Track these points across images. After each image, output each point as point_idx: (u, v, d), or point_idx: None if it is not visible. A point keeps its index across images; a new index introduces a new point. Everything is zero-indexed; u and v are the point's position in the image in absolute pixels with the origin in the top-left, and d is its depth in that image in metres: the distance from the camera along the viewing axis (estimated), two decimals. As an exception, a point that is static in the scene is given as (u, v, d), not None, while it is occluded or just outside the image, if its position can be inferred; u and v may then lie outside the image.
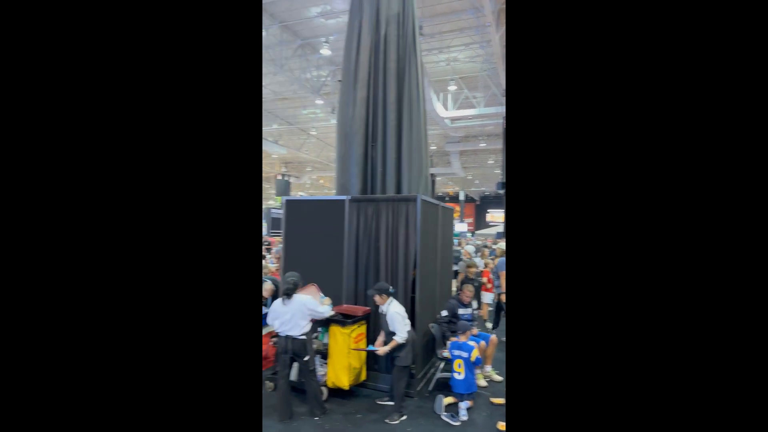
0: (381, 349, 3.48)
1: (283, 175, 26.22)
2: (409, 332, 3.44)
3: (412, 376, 3.73)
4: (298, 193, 29.44)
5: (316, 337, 3.80)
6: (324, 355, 3.77)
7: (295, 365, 3.53)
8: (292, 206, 4.55)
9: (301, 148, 22.95)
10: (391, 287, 3.54)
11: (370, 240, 4.09)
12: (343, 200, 4.20)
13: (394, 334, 3.42)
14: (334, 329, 3.63)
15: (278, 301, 3.37)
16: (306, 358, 3.34)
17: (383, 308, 3.48)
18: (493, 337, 4.24)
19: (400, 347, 3.41)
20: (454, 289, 5.76)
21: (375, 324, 3.95)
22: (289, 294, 3.31)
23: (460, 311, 4.18)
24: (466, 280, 4.65)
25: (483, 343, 4.12)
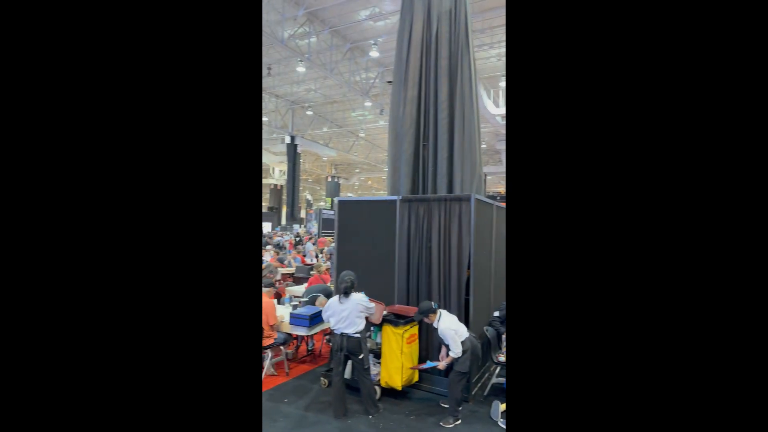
0: (440, 364, 3.41)
1: (333, 177, 26.83)
2: (468, 338, 3.34)
3: (468, 380, 3.64)
4: (347, 194, 29.98)
5: (369, 336, 3.83)
6: (377, 354, 3.79)
7: (349, 363, 3.57)
8: (344, 207, 4.62)
9: (350, 150, 23.36)
10: (434, 303, 3.44)
11: (421, 240, 4.05)
12: (394, 200, 4.20)
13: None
14: (387, 329, 3.64)
15: (334, 300, 3.43)
16: (361, 356, 3.38)
17: (435, 324, 3.40)
18: None
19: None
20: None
21: (427, 334, 3.91)
22: (347, 292, 3.37)
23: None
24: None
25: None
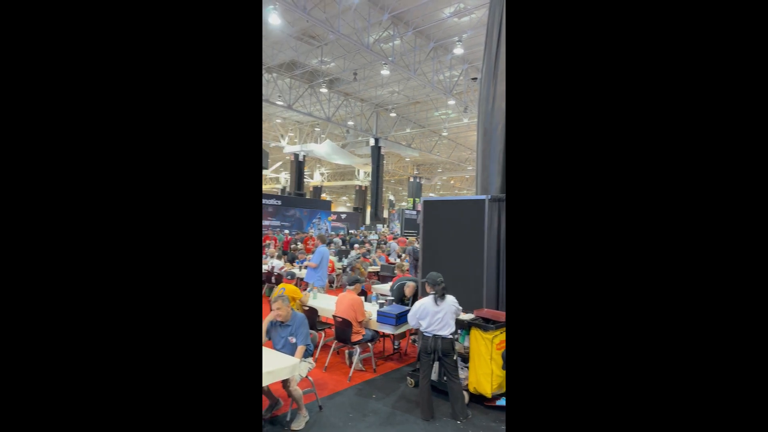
0: None
1: (415, 177, 26.94)
2: None
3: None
4: (428, 194, 29.87)
5: (457, 339, 3.74)
6: (464, 358, 3.69)
7: (436, 365, 3.53)
8: (429, 206, 4.58)
9: (433, 149, 23.24)
10: None
11: (513, 241, 3.85)
12: (482, 200, 4.05)
13: None
14: (476, 333, 3.52)
15: (427, 301, 3.40)
16: (454, 358, 3.34)
17: None
18: None
19: None
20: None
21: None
22: (443, 294, 3.34)
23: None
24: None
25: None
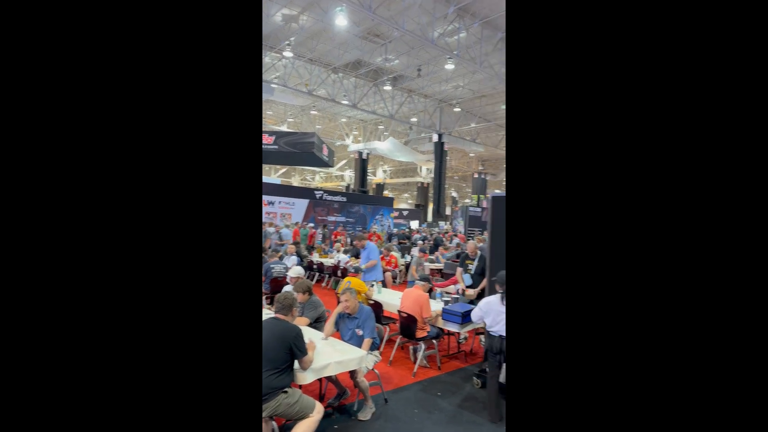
0: None
1: (480, 173, 26.21)
2: None
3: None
4: (494, 191, 28.93)
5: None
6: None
7: (504, 367, 3.40)
8: (497, 203, 4.42)
9: (499, 144, 22.43)
10: None
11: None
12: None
13: None
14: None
15: (494, 299, 3.30)
16: None
17: None
18: None
19: None
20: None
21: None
22: None
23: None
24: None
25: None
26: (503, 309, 3.19)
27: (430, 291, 4.67)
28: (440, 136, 19.41)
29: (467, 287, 4.93)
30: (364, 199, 20.47)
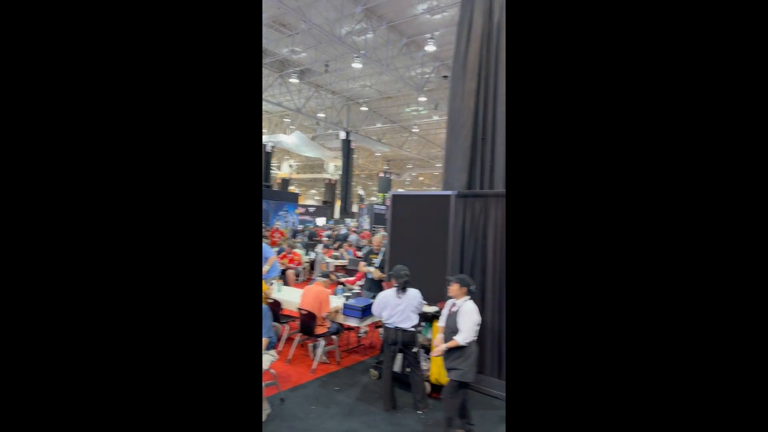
0: (437, 349, 2.93)
1: (385, 173, 27.00)
2: (472, 343, 2.86)
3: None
4: (398, 190, 30.03)
5: (420, 332, 3.81)
6: (427, 350, 3.76)
7: (399, 357, 3.58)
8: (398, 201, 4.62)
9: (403, 145, 23.36)
10: (473, 286, 3.02)
11: (477, 237, 3.95)
12: (449, 195, 4.12)
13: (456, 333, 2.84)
14: (437, 326, 3.60)
15: (390, 293, 3.44)
16: (415, 350, 3.39)
17: (458, 303, 2.93)
18: None
19: (461, 358, 2.81)
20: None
21: (481, 333, 3.81)
22: (404, 287, 3.38)
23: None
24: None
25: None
26: (399, 302, 3.36)
27: (341, 284, 4.67)
28: (347, 133, 19.51)
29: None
30: (266, 194, 19.62)
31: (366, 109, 19.26)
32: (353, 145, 20.24)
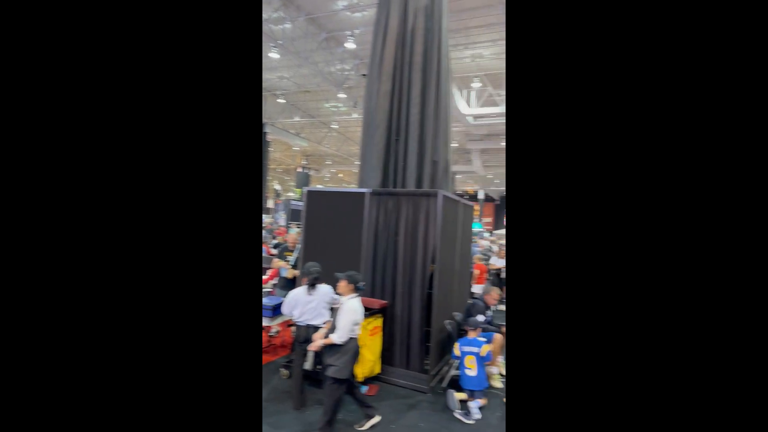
0: (313, 344, 2.95)
1: (304, 168, 26.44)
2: (352, 340, 2.89)
3: (348, 391, 3.67)
4: (316, 186, 29.66)
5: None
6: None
7: (310, 354, 3.56)
8: (313, 197, 4.57)
9: (322, 141, 23.08)
10: (362, 283, 3.05)
11: (389, 234, 4.08)
12: (363, 193, 4.20)
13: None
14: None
15: (300, 291, 3.39)
16: None
17: (342, 300, 2.96)
18: (497, 335, 4.13)
19: (337, 354, 2.83)
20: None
21: (391, 327, 3.96)
22: (314, 284, 3.34)
23: (482, 315, 4.12)
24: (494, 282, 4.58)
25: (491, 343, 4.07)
26: (310, 299, 3.33)
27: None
28: (263, 125, 18.68)
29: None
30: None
31: (284, 101, 18.64)
32: (269, 137, 19.45)
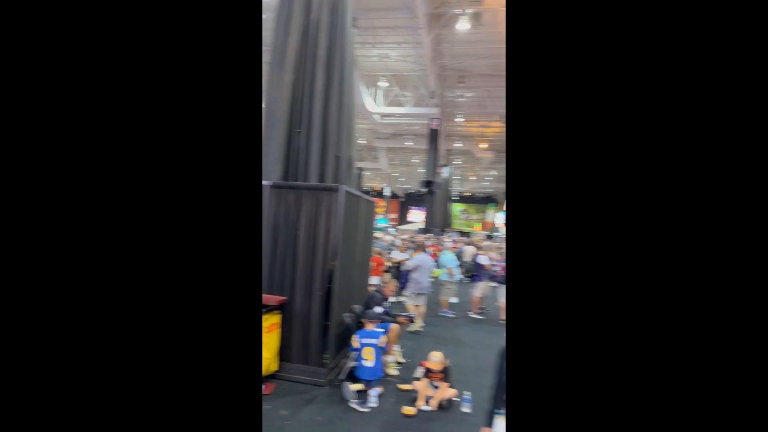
0: None
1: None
2: None
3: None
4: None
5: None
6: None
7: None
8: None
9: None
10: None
11: (289, 228, 4.00)
12: (264, 186, 4.04)
13: None
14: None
15: None
16: None
17: None
18: (394, 325, 4.32)
19: None
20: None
21: (290, 324, 3.89)
22: None
23: (380, 307, 4.27)
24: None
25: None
26: None
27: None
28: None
29: None
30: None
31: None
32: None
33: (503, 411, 1.79)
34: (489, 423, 1.99)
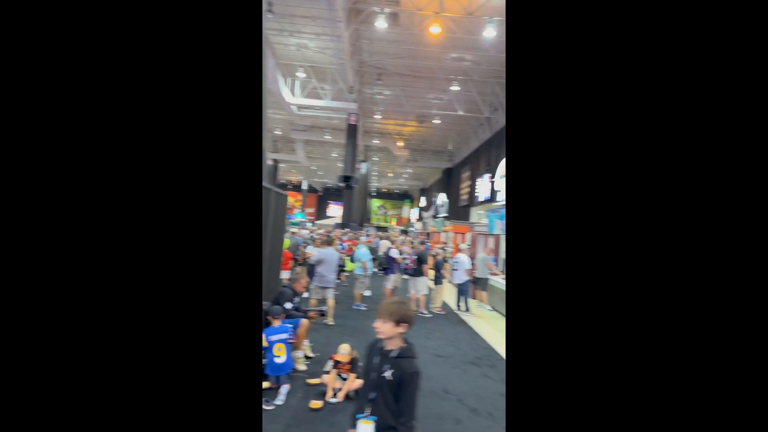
0: None
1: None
2: None
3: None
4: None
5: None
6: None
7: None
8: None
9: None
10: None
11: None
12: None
13: None
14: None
15: None
16: None
17: None
18: (304, 320, 4.29)
19: None
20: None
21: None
22: None
23: (289, 303, 4.19)
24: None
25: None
26: None
27: None
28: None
29: None
30: None
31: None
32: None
33: (367, 415, 1.64)
34: (353, 425, 1.69)
